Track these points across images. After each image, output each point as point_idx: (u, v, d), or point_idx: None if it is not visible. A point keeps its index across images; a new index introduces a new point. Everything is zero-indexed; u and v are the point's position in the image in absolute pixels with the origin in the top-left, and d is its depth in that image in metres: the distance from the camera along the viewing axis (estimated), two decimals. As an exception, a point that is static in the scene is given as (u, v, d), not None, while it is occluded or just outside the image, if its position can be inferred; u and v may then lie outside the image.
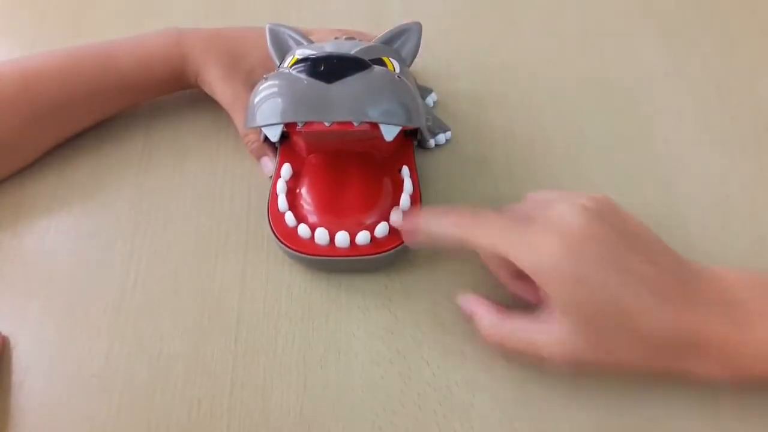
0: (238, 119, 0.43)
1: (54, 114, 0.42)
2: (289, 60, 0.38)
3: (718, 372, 0.31)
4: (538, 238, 0.30)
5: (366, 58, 0.34)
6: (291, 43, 0.41)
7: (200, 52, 0.43)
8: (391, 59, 0.38)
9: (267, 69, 0.41)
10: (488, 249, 0.32)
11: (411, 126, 0.33)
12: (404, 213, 0.37)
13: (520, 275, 0.32)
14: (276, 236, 0.38)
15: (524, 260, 0.30)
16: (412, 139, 0.42)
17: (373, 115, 0.32)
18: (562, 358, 0.31)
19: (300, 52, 0.37)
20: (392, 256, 0.37)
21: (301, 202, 0.39)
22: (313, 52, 0.35)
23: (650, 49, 0.51)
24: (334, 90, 0.32)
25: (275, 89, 0.33)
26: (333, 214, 0.38)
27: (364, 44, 0.38)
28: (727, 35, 0.52)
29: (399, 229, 0.37)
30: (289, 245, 0.37)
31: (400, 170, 0.40)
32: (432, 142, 0.44)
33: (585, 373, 0.34)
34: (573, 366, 0.32)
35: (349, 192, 0.38)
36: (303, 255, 0.37)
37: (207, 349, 0.37)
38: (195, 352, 0.37)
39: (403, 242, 0.37)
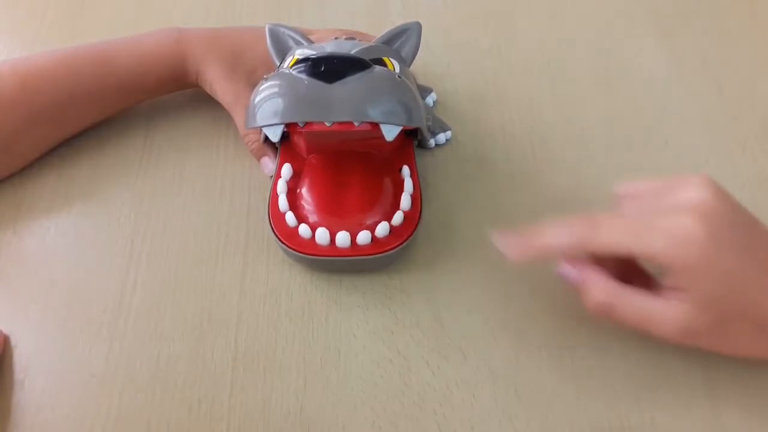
0: (238, 119, 0.43)
1: (53, 114, 0.42)
2: (289, 60, 0.38)
3: None
4: (676, 226, 0.30)
5: (366, 58, 0.34)
6: (291, 43, 0.41)
7: (201, 51, 0.43)
8: (391, 59, 0.38)
9: (268, 69, 0.41)
10: (612, 247, 0.31)
11: (411, 126, 0.33)
12: (509, 234, 0.34)
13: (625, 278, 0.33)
14: (277, 236, 0.38)
15: (660, 252, 0.30)
16: (412, 139, 0.42)
17: (374, 115, 0.32)
18: (678, 336, 0.31)
19: (300, 53, 0.37)
20: (393, 256, 0.37)
21: (302, 202, 0.39)
22: (314, 53, 0.35)
23: (650, 49, 0.51)
24: (334, 90, 0.32)
25: (276, 89, 0.33)
26: (334, 214, 0.38)
27: (365, 44, 0.38)
28: (727, 35, 0.52)
29: (505, 249, 0.34)
30: (289, 245, 0.37)
31: (400, 170, 0.40)
32: (432, 142, 0.44)
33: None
34: (686, 343, 0.32)
35: (350, 192, 0.38)
36: (304, 255, 0.37)
37: (207, 349, 0.37)
38: (195, 352, 0.37)
39: (403, 242, 0.37)
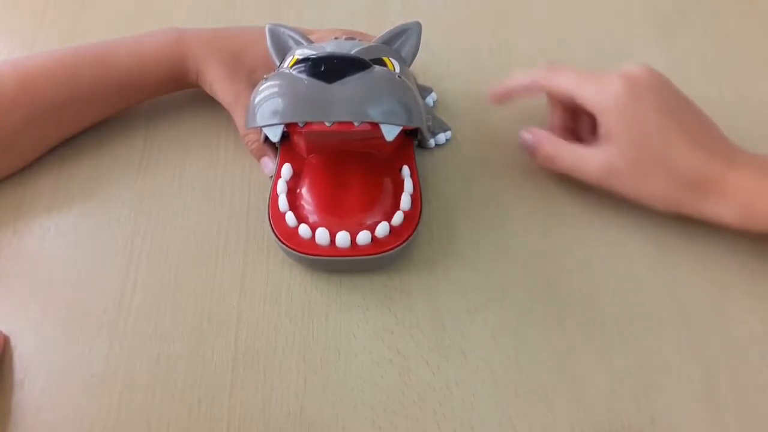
0: (239, 119, 0.43)
1: (53, 114, 0.42)
2: (289, 60, 0.38)
3: (731, 217, 0.36)
4: (607, 82, 0.38)
5: (366, 58, 0.34)
6: (291, 43, 0.41)
7: (201, 51, 0.43)
8: (391, 59, 0.38)
9: (268, 69, 0.41)
10: (563, 91, 0.40)
11: (411, 126, 0.33)
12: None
13: (573, 119, 0.42)
14: (276, 236, 0.38)
15: (591, 98, 0.38)
16: (412, 139, 0.42)
17: (374, 115, 0.32)
18: (602, 174, 0.38)
19: (300, 53, 0.37)
20: (393, 256, 0.37)
21: (302, 202, 0.39)
22: (313, 53, 0.35)
23: (650, 49, 0.51)
24: (334, 90, 0.32)
25: (276, 89, 0.33)
26: (334, 214, 0.38)
27: (365, 44, 0.38)
28: (727, 35, 0.52)
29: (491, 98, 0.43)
30: (289, 245, 0.37)
31: (400, 170, 0.40)
32: (432, 142, 0.44)
33: (617, 196, 0.40)
34: (610, 181, 0.38)
35: (350, 192, 0.38)
36: (304, 255, 0.37)
37: (207, 349, 0.37)
38: (195, 352, 0.37)
39: (403, 242, 0.37)
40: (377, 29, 0.43)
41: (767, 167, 0.37)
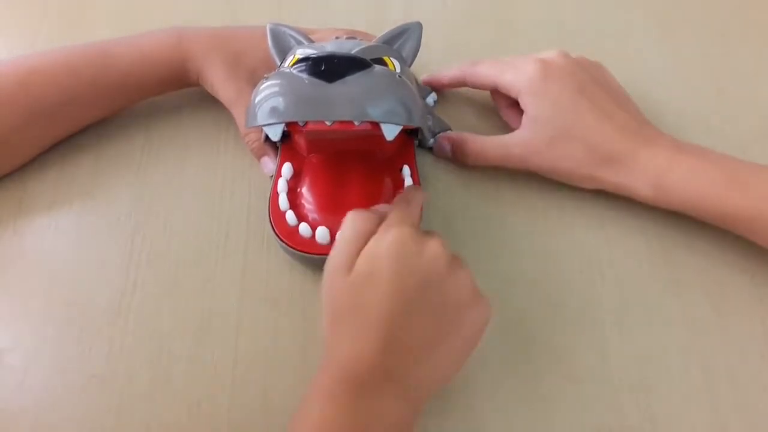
0: (239, 119, 0.43)
1: (53, 112, 0.42)
2: (289, 59, 0.38)
3: (644, 191, 0.38)
4: (522, 66, 0.41)
5: (367, 57, 0.34)
6: (292, 42, 0.41)
7: (202, 51, 0.43)
8: (391, 59, 0.38)
9: (269, 68, 0.41)
10: (487, 82, 0.43)
11: (412, 125, 0.33)
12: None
13: (513, 104, 0.43)
14: (277, 235, 0.37)
15: (510, 83, 0.41)
16: (413, 138, 0.42)
17: (374, 114, 0.32)
18: (524, 154, 0.40)
19: (301, 52, 0.37)
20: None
21: (302, 201, 0.39)
22: (314, 52, 0.35)
23: (650, 49, 0.51)
24: (335, 89, 0.32)
25: (276, 88, 0.33)
26: (334, 213, 0.38)
27: (365, 44, 0.38)
28: (727, 35, 0.52)
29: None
30: (290, 244, 0.37)
31: (400, 170, 0.40)
32: (432, 142, 0.44)
33: (537, 174, 0.41)
34: (531, 160, 0.40)
35: (350, 191, 0.38)
36: (304, 254, 0.37)
37: (207, 349, 0.37)
38: (195, 352, 0.37)
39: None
40: (377, 29, 0.43)
41: (681, 147, 0.38)
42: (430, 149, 0.45)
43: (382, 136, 0.33)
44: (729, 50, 0.51)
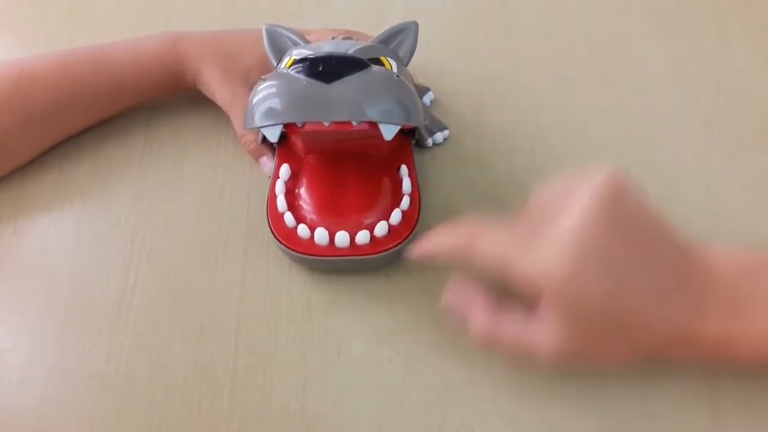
0: (236, 119, 0.43)
1: (49, 115, 0.42)
2: (286, 60, 0.38)
3: (705, 360, 0.32)
4: (547, 248, 0.29)
5: (364, 57, 0.34)
6: (288, 43, 0.41)
7: (198, 53, 0.43)
8: (388, 59, 0.38)
9: (264, 69, 0.41)
10: (492, 261, 0.31)
11: (410, 125, 0.33)
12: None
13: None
14: (275, 237, 0.38)
15: (526, 268, 0.30)
16: (410, 138, 0.42)
17: (372, 114, 0.32)
18: (554, 359, 0.31)
19: (297, 53, 0.37)
20: (392, 255, 0.37)
21: (300, 202, 0.39)
22: (311, 53, 0.35)
23: (650, 49, 0.51)
24: (333, 90, 0.32)
25: (274, 90, 0.33)
26: (332, 214, 0.38)
27: (362, 44, 0.38)
28: (727, 35, 0.51)
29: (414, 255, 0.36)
30: (288, 246, 0.37)
31: (398, 169, 0.40)
32: (430, 141, 0.44)
33: (574, 369, 0.35)
34: (564, 364, 0.33)
35: (348, 192, 0.38)
36: (303, 255, 0.37)
37: (207, 349, 0.37)
38: (195, 352, 0.37)
39: (402, 242, 0.37)
40: (377, 29, 0.43)
41: (737, 300, 0.31)
42: (428, 149, 0.45)
43: (380, 136, 0.33)
44: (729, 50, 0.50)
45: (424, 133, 0.41)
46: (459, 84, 0.49)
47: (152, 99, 0.45)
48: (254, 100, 0.33)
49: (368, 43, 0.39)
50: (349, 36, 0.42)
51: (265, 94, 0.33)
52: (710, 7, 0.53)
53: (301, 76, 0.32)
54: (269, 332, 0.38)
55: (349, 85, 0.32)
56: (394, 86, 0.33)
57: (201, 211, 0.42)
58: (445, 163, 0.44)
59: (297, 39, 0.40)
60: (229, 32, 0.45)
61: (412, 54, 0.41)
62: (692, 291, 0.31)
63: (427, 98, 0.47)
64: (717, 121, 0.46)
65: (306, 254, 0.37)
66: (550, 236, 0.29)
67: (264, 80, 0.33)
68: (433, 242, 0.34)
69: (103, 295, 0.39)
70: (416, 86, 0.46)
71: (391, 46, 0.40)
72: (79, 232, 0.42)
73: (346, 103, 0.31)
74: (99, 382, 0.36)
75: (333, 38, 0.41)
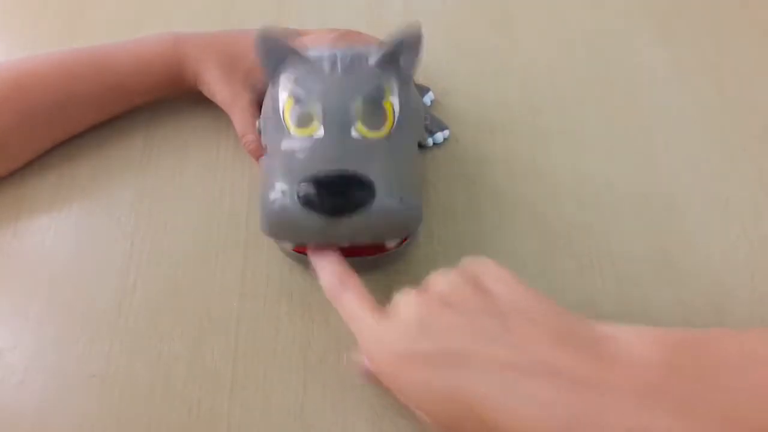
0: (236, 119, 0.43)
1: (49, 116, 0.42)
2: (283, 99, 0.36)
3: None
4: (384, 328, 0.28)
5: (369, 115, 0.34)
6: (284, 52, 0.37)
7: (198, 54, 0.43)
8: (391, 97, 0.36)
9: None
10: (347, 323, 0.31)
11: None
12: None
13: None
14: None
15: (365, 348, 0.29)
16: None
17: (376, 240, 0.35)
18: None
19: (295, 91, 0.35)
20: (392, 255, 0.37)
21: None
22: (307, 104, 0.34)
23: (650, 49, 0.51)
24: (340, 223, 0.32)
25: (286, 216, 0.33)
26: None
27: (365, 78, 0.35)
28: (727, 35, 0.51)
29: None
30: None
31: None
32: (430, 141, 0.44)
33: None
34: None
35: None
36: (303, 255, 0.37)
37: (207, 348, 0.37)
38: (195, 351, 0.37)
39: (403, 242, 0.37)
40: (377, 29, 0.43)
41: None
42: (429, 149, 0.45)
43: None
44: (729, 50, 0.50)
45: (424, 133, 0.41)
46: (459, 84, 0.49)
47: (152, 99, 0.45)
48: (267, 212, 0.33)
49: (372, 65, 0.36)
50: (349, 36, 0.42)
51: (278, 214, 0.33)
52: (710, 7, 0.53)
53: (309, 210, 0.32)
54: (269, 332, 0.38)
55: (356, 222, 0.32)
56: (397, 220, 0.34)
57: (201, 211, 0.42)
58: (446, 164, 0.44)
59: (293, 50, 0.37)
60: (230, 33, 0.45)
61: (416, 66, 0.38)
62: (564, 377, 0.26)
63: (427, 98, 0.47)
64: (717, 121, 0.46)
65: (306, 254, 0.37)
66: (391, 317, 0.29)
67: (274, 186, 0.33)
68: (318, 263, 0.34)
69: (103, 296, 0.39)
70: (416, 86, 0.46)
71: (396, 60, 0.37)
72: (79, 232, 0.42)
73: (354, 235, 0.33)
74: (99, 382, 0.36)
75: (330, 41, 0.40)
